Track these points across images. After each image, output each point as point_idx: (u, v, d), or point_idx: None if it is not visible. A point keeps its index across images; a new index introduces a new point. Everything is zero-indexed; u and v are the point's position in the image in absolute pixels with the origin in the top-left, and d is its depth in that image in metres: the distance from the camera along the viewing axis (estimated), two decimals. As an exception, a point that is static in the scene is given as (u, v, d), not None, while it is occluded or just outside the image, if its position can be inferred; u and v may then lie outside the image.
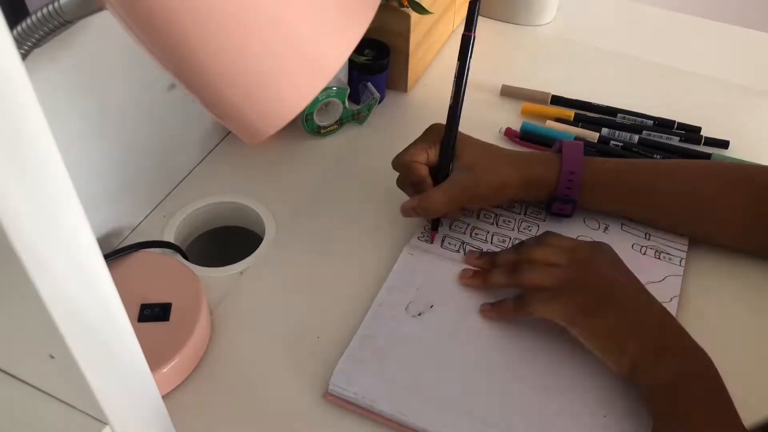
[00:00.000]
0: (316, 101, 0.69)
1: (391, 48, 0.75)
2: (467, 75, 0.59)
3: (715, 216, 0.61)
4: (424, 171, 0.60)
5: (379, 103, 0.77)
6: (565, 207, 0.62)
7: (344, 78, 0.75)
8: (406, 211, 0.60)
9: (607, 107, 0.78)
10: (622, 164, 0.63)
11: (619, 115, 0.77)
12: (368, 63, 0.74)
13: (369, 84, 0.74)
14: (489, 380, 0.51)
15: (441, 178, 0.60)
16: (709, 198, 0.61)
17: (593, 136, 0.74)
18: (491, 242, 0.62)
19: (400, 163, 0.61)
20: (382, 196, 0.67)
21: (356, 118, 0.74)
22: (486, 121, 0.76)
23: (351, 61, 0.74)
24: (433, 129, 0.61)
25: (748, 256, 0.62)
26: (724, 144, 0.74)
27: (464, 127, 0.75)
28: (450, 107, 0.60)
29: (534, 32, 0.91)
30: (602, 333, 0.50)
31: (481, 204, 0.64)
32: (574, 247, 0.54)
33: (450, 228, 0.63)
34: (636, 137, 0.74)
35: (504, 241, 0.62)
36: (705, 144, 0.74)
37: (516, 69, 0.84)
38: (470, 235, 0.63)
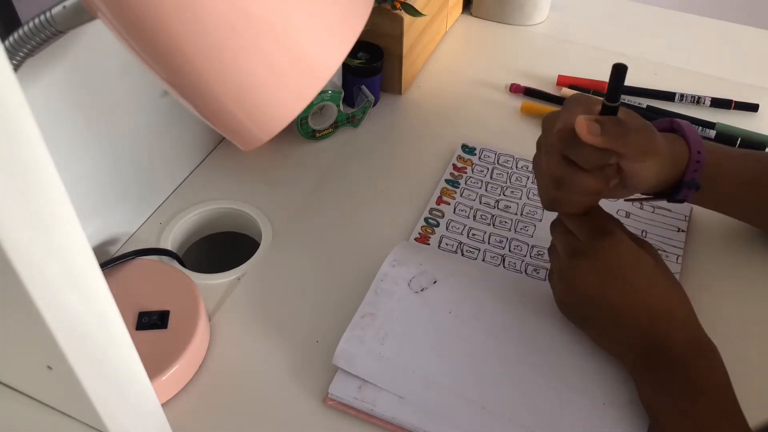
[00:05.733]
0: (310, 105, 0.69)
1: (385, 51, 0.75)
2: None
3: None
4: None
5: (374, 105, 0.77)
6: (689, 193, 0.54)
7: (338, 81, 0.75)
8: (582, 126, 0.46)
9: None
10: (748, 153, 0.55)
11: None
12: (362, 66, 0.74)
13: (363, 87, 0.74)
14: (489, 363, 0.51)
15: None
16: None
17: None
18: (488, 242, 0.62)
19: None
20: (378, 199, 0.67)
21: (351, 122, 0.74)
22: (490, 118, 0.76)
23: (345, 65, 0.74)
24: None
25: (746, 253, 0.62)
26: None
27: (467, 126, 0.75)
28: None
29: (527, 32, 0.91)
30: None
31: (630, 152, 0.48)
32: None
33: (447, 228, 0.63)
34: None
35: (501, 242, 0.62)
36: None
37: (510, 69, 0.84)
38: (467, 236, 0.63)
